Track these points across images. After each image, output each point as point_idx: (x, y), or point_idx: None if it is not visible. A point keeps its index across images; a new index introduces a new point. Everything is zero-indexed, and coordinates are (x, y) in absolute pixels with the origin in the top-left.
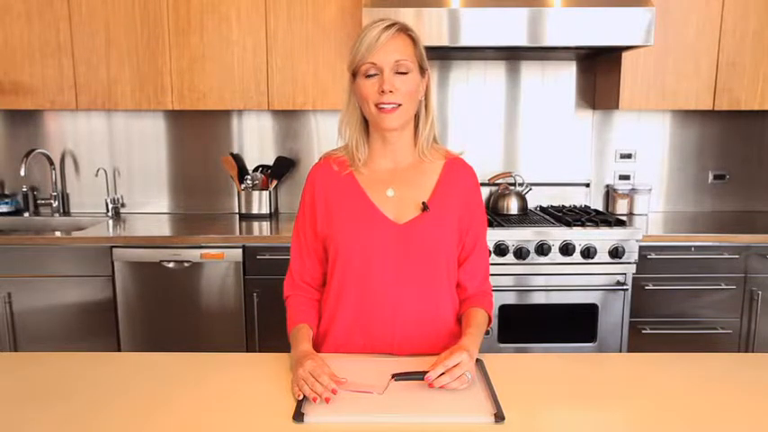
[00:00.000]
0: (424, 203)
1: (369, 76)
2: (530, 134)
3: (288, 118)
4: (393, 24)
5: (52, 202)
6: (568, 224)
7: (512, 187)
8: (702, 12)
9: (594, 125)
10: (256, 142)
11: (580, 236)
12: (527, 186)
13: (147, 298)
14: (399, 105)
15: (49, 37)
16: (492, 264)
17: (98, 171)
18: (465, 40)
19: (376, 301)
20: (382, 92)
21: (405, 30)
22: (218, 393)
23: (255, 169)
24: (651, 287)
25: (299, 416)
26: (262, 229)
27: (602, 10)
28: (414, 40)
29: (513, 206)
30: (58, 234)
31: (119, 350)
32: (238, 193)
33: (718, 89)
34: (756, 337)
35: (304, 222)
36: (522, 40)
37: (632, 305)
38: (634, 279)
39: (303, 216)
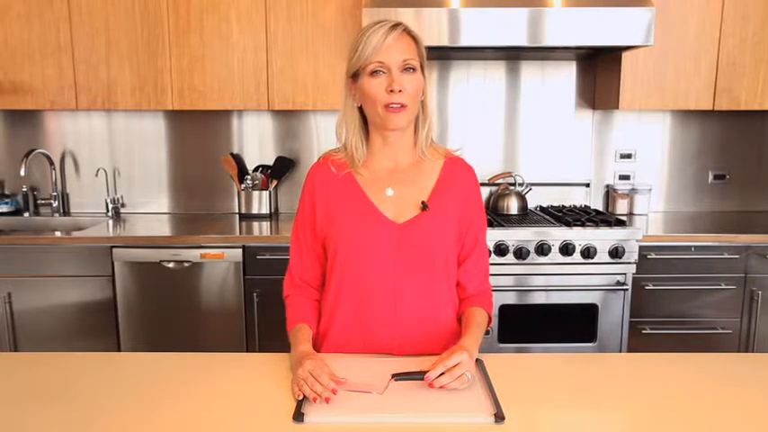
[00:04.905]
0: (423, 203)
1: (375, 75)
2: (530, 134)
3: (288, 118)
4: (398, 24)
5: (52, 202)
6: (568, 224)
7: (512, 187)
8: (702, 12)
9: (594, 125)
10: (256, 142)
11: (580, 236)
12: (527, 186)
13: (147, 298)
14: (406, 106)
15: (49, 37)
16: (492, 264)
17: (98, 171)
18: (465, 40)
19: (375, 301)
20: (391, 91)
21: (408, 31)
22: (218, 393)
23: (255, 169)
24: (651, 287)
25: (299, 416)
26: (262, 229)
27: (602, 10)
28: (417, 41)
29: (513, 206)
30: (58, 234)
31: (119, 350)
32: (238, 193)
33: (718, 89)
34: (756, 337)
35: (303, 222)
36: (522, 40)
37: (632, 305)
38: (634, 279)
39: (302, 216)
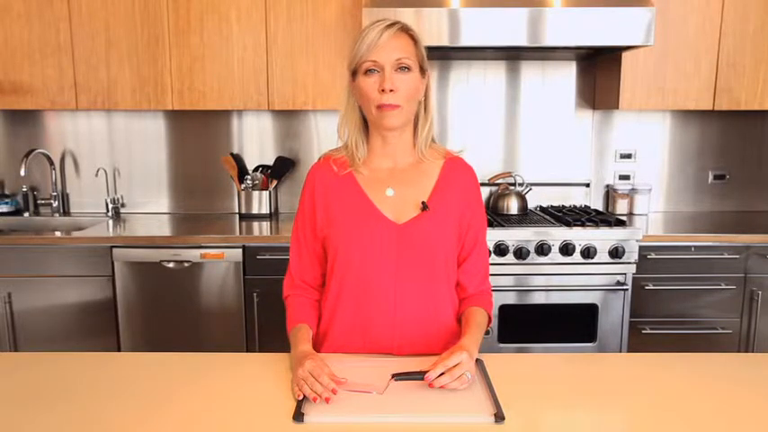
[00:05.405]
0: (423, 203)
1: (369, 74)
2: (530, 134)
3: (288, 118)
4: (395, 23)
5: (52, 202)
6: (568, 224)
7: (512, 187)
8: (702, 12)
9: (594, 125)
10: (256, 142)
11: (580, 236)
12: (527, 186)
13: (147, 298)
14: (399, 107)
15: (49, 37)
16: (492, 264)
17: (98, 171)
18: (465, 40)
19: (375, 302)
20: (383, 90)
21: (406, 29)
22: (218, 393)
23: (255, 169)
24: (651, 287)
25: (299, 416)
26: (262, 229)
27: (602, 10)
28: (415, 40)
29: (513, 206)
30: (58, 234)
31: (119, 350)
32: (238, 193)
33: (718, 89)
34: (756, 337)
35: (303, 222)
36: (522, 40)
37: (632, 305)
38: (634, 279)
39: (302, 216)
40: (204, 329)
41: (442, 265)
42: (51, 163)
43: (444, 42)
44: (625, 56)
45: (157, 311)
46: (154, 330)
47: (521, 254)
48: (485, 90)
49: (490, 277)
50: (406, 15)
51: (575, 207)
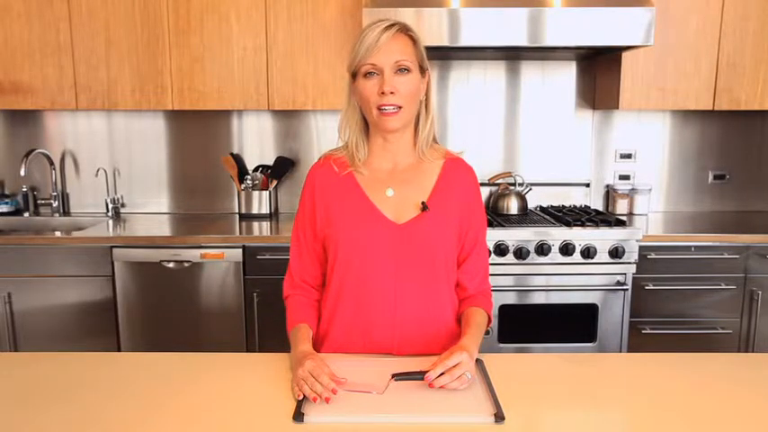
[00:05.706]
0: (423, 203)
1: (369, 77)
2: (530, 134)
3: (288, 118)
4: (393, 25)
5: (52, 202)
6: (568, 224)
7: (512, 187)
8: (702, 12)
9: (594, 125)
10: (256, 142)
11: (580, 236)
12: (527, 186)
13: (147, 298)
14: (400, 108)
15: (49, 37)
16: (492, 264)
17: (98, 171)
18: (465, 40)
19: (375, 302)
20: (382, 93)
21: (405, 30)
22: (219, 393)
23: (255, 169)
24: (651, 287)
25: (299, 416)
26: (262, 229)
27: (602, 10)
28: (414, 41)
29: (513, 206)
30: (58, 234)
31: (119, 350)
32: (238, 193)
33: (718, 89)
34: (756, 337)
35: (303, 222)
36: (522, 40)
37: (632, 305)
38: (634, 279)
39: (302, 216)
40: (204, 329)
41: (442, 265)
42: (51, 163)
43: (444, 42)
44: (625, 56)
45: (157, 311)
46: (154, 330)
47: (521, 254)
48: (485, 90)
49: (490, 277)
50: (406, 15)
51: (575, 207)
